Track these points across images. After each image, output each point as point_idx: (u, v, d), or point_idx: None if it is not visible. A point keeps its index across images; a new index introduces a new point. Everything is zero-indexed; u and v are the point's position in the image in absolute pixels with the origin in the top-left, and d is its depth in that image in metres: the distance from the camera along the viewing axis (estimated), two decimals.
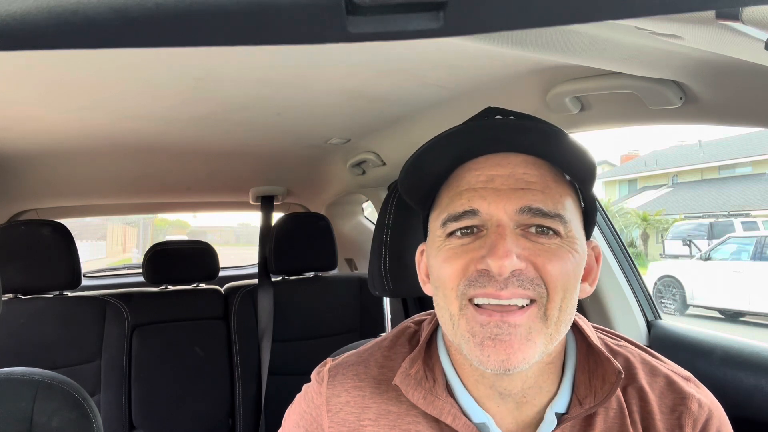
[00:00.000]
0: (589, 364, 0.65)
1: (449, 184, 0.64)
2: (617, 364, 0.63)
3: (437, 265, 0.62)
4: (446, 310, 0.61)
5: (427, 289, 0.69)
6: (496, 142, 0.61)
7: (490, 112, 0.65)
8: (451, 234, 0.61)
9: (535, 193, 0.59)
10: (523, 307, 0.57)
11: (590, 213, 0.66)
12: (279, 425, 0.78)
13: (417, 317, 0.78)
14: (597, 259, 0.68)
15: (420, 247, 0.72)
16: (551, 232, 0.59)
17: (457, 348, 0.61)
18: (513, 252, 0.56)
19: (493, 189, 0.59)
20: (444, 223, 0.61)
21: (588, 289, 0.66)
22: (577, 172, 0.62)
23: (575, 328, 0.68)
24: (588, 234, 0.66)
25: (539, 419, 0.64)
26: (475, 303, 0.58)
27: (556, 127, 0.60)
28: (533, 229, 0.59)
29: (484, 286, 0.57)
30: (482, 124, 0.61)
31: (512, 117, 0.64)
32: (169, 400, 1.97)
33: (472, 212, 0.59)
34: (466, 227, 0.60)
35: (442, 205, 0.64)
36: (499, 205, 0.58)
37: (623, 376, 0.62)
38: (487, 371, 0.58)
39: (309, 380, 0.76)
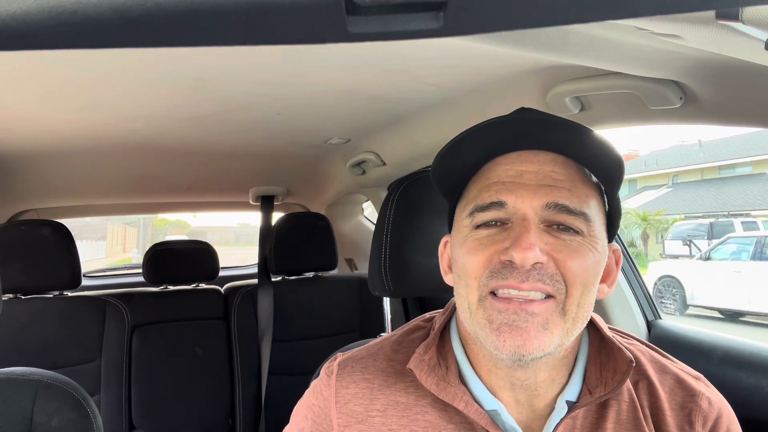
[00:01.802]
0: (601, 357, 0.66)
1: (478, 177, 0.65)
2: (629, 354, 0.63)
3: (462, 255, 0.63)
4: (465, 299, 0.62)
5: (448, 279, 0.70)
6: (527, 138, 0.62)
7: (523, 110, 0.66)
8: (477, 226, 0.62)
9: (562, 191, 0.60)
10: (542, 299, 0.58)
11: (614, 217, 0.66)
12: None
13: (427, 315, 0.79)
14: (617, 263, 0.68)
15: (444, 239, 0.74)
16: (573, 231, 0.60)
17: (474, 336, 0.62)
18: (536, 245, 0.57)
19: (521, 183, 0.60)
20: (471, 213, 0.62)
21: (606, 291, 0.67)
22: (604, 172, 0.63)
23: (590, 322, 0.68)
24: (611, 237, 0.66)
25: (550, 409, 0.65)
26: (495, 293, 0.59)
27: (586, 127, 0.61)
28: (556, 226, 0.60)
29: (506, 277, 0.58)
30: (515, 117, 0.62)
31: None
32: (169, 400, 1.96)
33: (499, 204, 0.60)
34: (492, 220, 0.61)
35: (470, 197, 0.65)
36: (526, 199, 0.59)
37: (634, 365, 0.63)
38: (503, 356, 0.58)
39: (309, 380, 0.76)
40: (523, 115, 0.64)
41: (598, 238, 0.61)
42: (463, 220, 0.64)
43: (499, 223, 0.61)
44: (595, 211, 0.62)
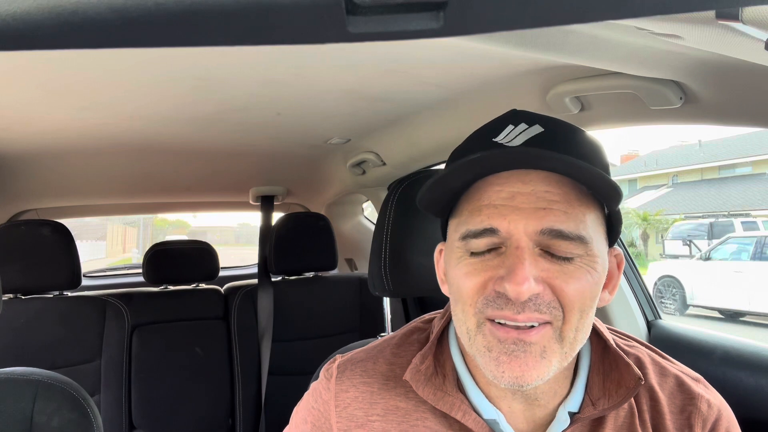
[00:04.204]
0: (604, 366, 0.65)
1: (469, 196, 0.62)
2: (637, 370, 0.62)
3: (457, 278, 0.61)
4: (464, 323, 0.61)
5: (445, 290, 0.68)
6: (520, 163, 0.59)
7: (514, 115, 0.64)
8: (473, 254, 0.60)
9: (558, 213, 0.57)
10: (538, 325, 0.57)
11: (615, 223, 0.64)
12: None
13: (426, 316, 0.78)
14: (619, 267, 0.66)
15: (439, 247, 0.72)
16: (569, 255, 0.57)
17: (473, 358, 0.62)
18: (531, 277, 0.55)
19: (513, 207, 0.57)
20: (464, 237, 0.60)
21: (607, 298, 0.65)
22: (601, 193, 0.60)
23: (592, 329, 0.67)
24: (611, 242, 0.64)
25: (551, 418, 0.64)
26: (492, 320, 0.58)
27: (581, 162, 0.56)
28: (552, 250, 0.57)
29: (501, 308, 0.56)
30: (505, 151, 0.59)
31: (538, 125, 0.62)
32: (169, 400, 1.97)
33: (491, 231, 0.58)
34: (486, 249, 0.59)
35: (462, 216, 0.62)
36: (519, 225, 0.56)
37: (643, 383, 0.62)
38: (501, 385, 0.58)
39: (309, 380, 0.76)
40: (514, 122, 0.62)
41: (597, 255, 0.58)
42: (455, 240, 0.62)
43: (492, 249, 0.59)
44: (593, 227, 0.59)
